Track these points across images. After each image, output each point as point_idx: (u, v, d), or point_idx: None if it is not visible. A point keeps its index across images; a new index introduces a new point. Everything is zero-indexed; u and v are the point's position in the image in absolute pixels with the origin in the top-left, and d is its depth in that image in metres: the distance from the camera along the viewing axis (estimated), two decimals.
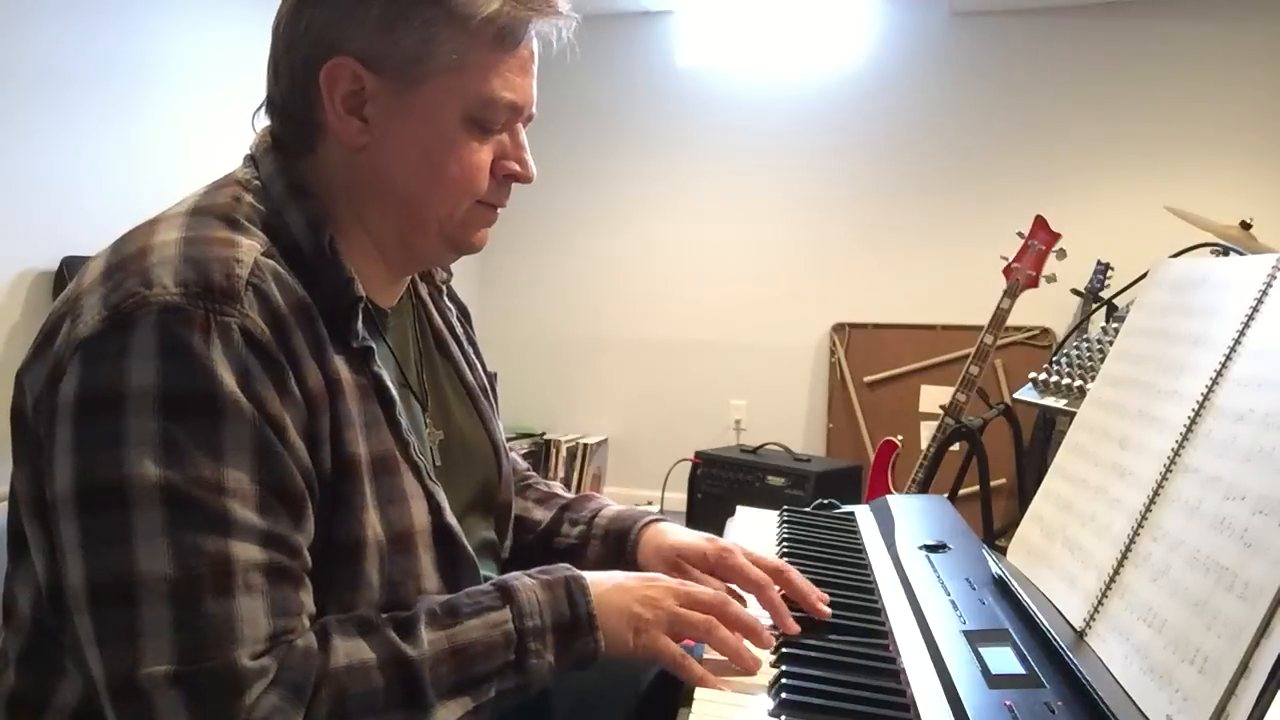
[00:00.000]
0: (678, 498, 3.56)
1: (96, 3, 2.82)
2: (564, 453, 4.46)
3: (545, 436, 4.53)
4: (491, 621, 0.81)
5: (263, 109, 0.90)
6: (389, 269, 0.93)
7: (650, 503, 4.21)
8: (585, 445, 4.48)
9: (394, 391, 0.87)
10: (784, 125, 4.26)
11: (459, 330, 1.09)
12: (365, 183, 0.87)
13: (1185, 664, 0.65)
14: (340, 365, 0.82)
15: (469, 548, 0.90)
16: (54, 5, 2.69)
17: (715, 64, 4.34)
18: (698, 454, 3.53)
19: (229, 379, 0.72)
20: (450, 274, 1.10)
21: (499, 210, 0.92)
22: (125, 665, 0.68)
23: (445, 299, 1.10)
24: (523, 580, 0.85)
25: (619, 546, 1.08)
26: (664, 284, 4.48)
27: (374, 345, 0.86)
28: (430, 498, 0.87)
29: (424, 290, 1.05)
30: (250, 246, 0.78)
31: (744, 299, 4.36)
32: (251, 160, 0.89)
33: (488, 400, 1.07)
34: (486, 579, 0.90)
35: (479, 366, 1.10)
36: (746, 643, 0.87)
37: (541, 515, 1.16)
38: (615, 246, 4.55)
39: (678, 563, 1.02)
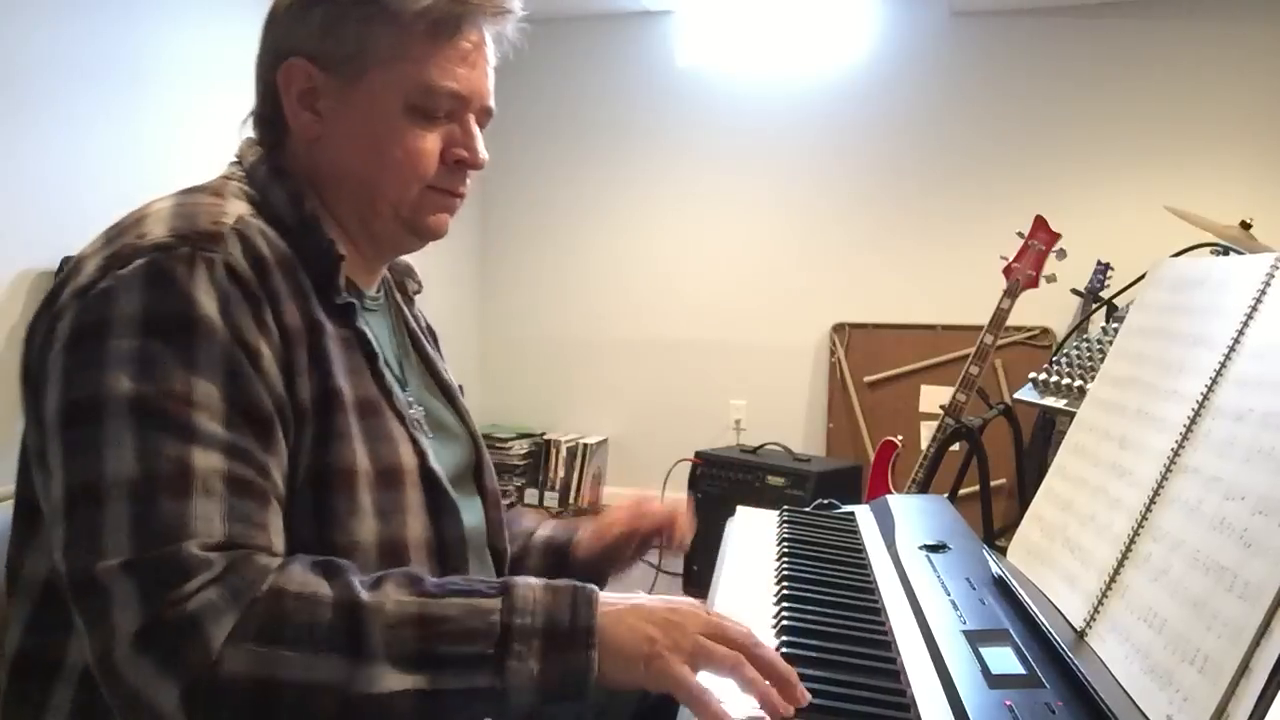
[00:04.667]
0: (678, 498, 3.56)
1: (96, 2, 2.82)
2: (564, 453, 4.45)
3: (545, 436, 4.53)
4: (478, 607, 0.74)
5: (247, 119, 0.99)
6: (360, 256, 0.99)
7: None
8: (585, 445, 4.48)
9: (376, 345, 0.93)
10: (784, 125, 4.26)
11: (429, 340, 1.15)
12: (324, 172, 0.94)
13: (1185, 664, 0.65)
14: (323, 316, 0.87)
15: (451, 492, 0.93)
16: (54, 5, 2.69)
17: (715, 64, 4.34)
18: (698, 454, 3.53)
19: (208, 303, 0.78)
20: (420, 287, 1.16)
21: (458, 198, 0.97)
22: (86, 563, 0.71)
23: (417, 309, 1.16)
24: (526, 579, 0.79)
25: (560, 552, 1.15)
26: (664, 284, 4.48)
27: (354, 303, 0.92)
28: (415, 442, 0.92)
29: (398, 298, 1.11)
30: (236, 208, 0.86)
31: (744, 299, 4.36)
32: (236, 161, 0.97)
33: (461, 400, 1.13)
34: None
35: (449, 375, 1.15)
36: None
37: None
38: (615, 246, 4.55)
39: (603, 527, 1.15)
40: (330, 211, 0.95)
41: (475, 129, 0.95)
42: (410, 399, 1.00)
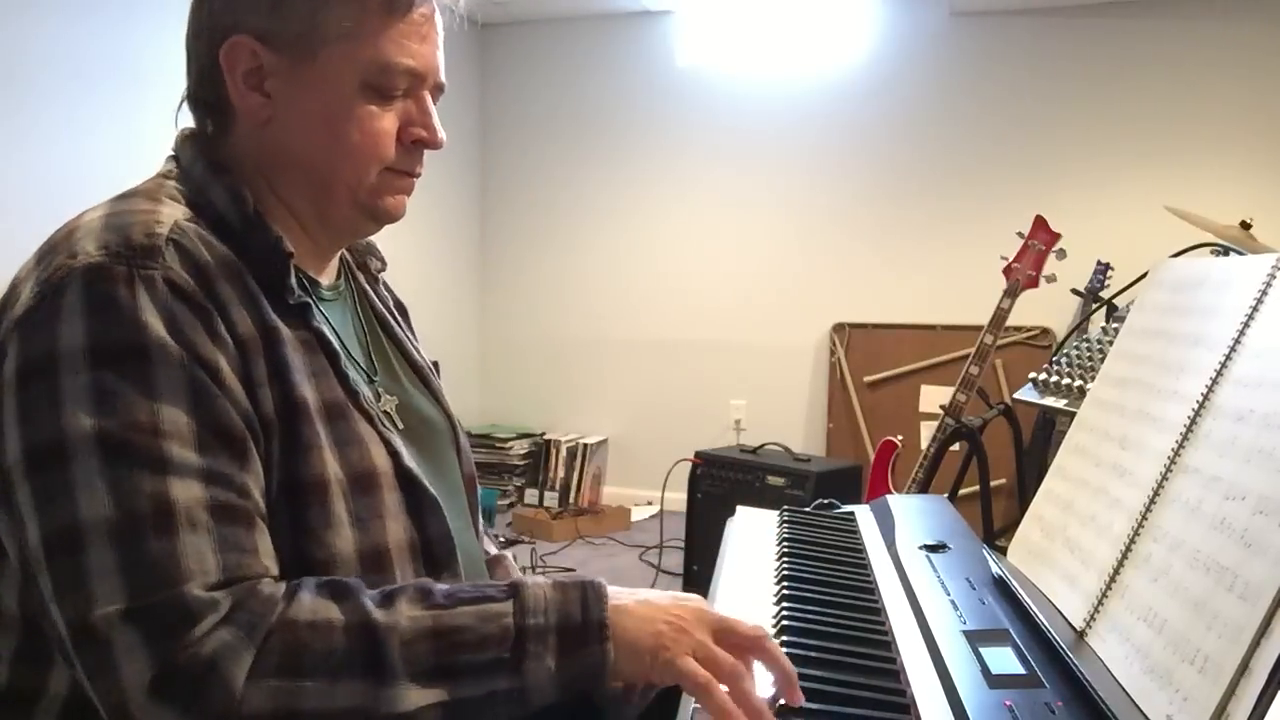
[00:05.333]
0: (678, 498, 3.55)
1: (97, 2, 2.82)
2: (564, 453, 4.46)
3: (545, 436, 4.53)
4: (490, 613, 0.76)
5: (181, 107, 0.93)
6: (315, 246, 0.95)
7: (650, 503, 4.21)
8: (585, 445, 4.48)
9: (336, 345, 0.89)
10: (784, 125, 4.26)
11: (398, 317, 1.10)
12: (275, 157, 0.89)
13: (1185, 664, 0.65)
14: (277, 320, 0.83)
15: (431, 490, 0.90)
16: (54, 5, 2.69)
17: (715, 64, 4.34)
18: (698, 454, 3.53)
19: (156, 325, 0.73)
20: (384, 265, 1.11)
21: (414, 179, 0.93)
22: (80, 611, 0.68)
23: (382, 289, 1.11)
24: (535, 578, 0.80)
25: None
26: (664, 284, 4.48)
27: (310, 302, 0.88)
28: (387, 443, 0.88)
29: (361, 279, 1.07)
30: (171, 213, 0.81)
31: (744, 299, 4.36)
32: (173, 157, 0.92)
33: (435, 379, 1.08)
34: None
35: (422, 353, 1.10)
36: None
37: None
38: (615, 246, 4.55)
39: None
40: (281, 199, 0.90)
41: (431, 107, 0.91)
42: (380, 389, 0.97)
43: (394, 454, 0.89)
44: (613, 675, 0.77)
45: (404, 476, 0.89)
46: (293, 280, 0.86)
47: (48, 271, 0.76)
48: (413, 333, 1.12)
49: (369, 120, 0.87)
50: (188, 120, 0.94)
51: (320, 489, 0.81)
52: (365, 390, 0.90)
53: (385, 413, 0.95)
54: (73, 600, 0.69)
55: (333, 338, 0.89)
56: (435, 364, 1.14)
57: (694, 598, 0.83)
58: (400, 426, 0.95)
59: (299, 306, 0.87)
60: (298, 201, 0.91)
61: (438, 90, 0.92)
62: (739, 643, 0.78)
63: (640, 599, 0.80)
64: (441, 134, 0.92)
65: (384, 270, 1.11)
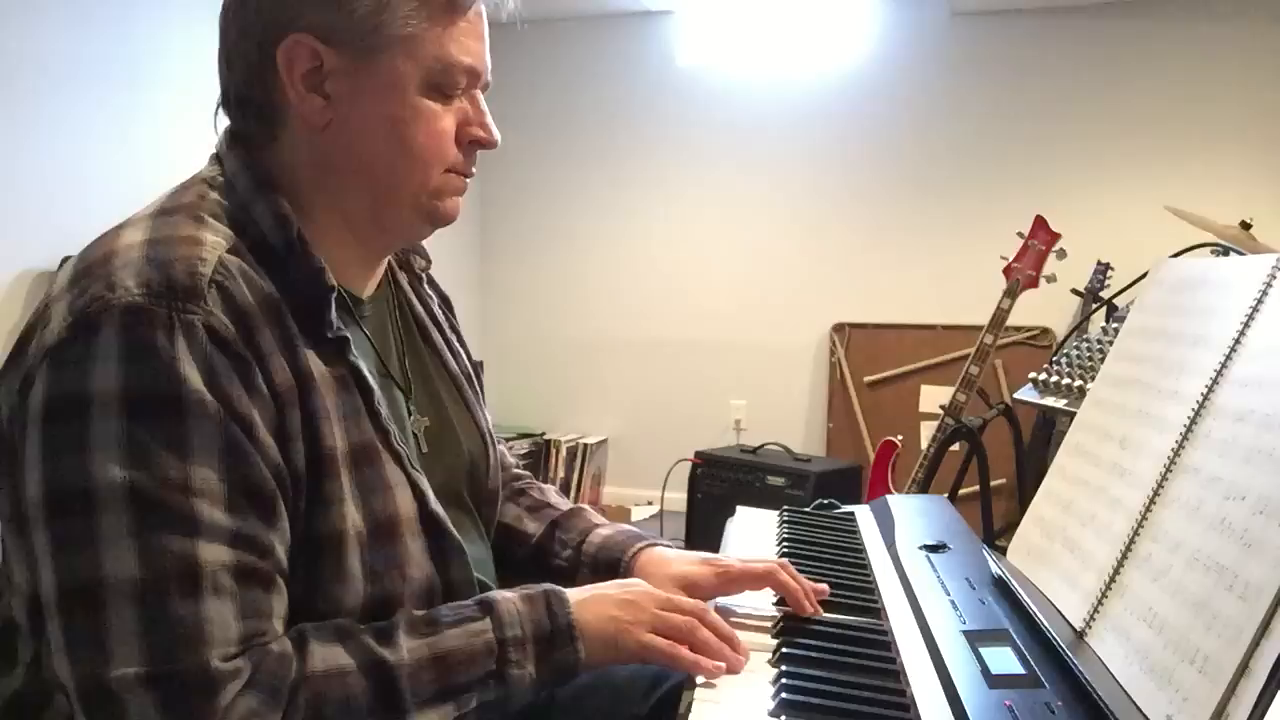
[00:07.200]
0: (678, 498, 3.55)
1: (96, 3, 2.82)
2: (564, 453, 4.46)
3: (545, 436, 4.53)
4: (472, 631, 0.81)
5: (220, 109, 0.89)
6: (365, 252, 0.93)
7: (650, 503, 4.20)
8: (585, 445, 4.48)
9: (372, 380, 0.87)
10: (784, 125, 4.26)
11: (440, 318, 1.09)
12: (334, 161, 0.86)
13: (1185, 664, 0.65)
14: (312, 359, 0.81)
15: (455, 534, 0.90)
16: (54, 5, 2.69)
17: (715, 64, 4.34)
18: (698, 454, 3.53)
19: (194, 377, 0.72)
20: (429, 262, 1.09)
21: (468, 179, 0.92)
22: (94, 668, 0.68)
23: (426, 287, 1.09)
24: (503, 594, 0.85)
25: (609, 576, 1.04)
26: (664, 284, 4.48)
27: (349, 335, 0.86)
28: (414, 486, 0.87)
29: (403, 279, 1.05)
30: (215, 243, 0.78)
31: (744, 299, 4.36)
32: (216, 159, 0.89)
33: (473, 388, 1.07)
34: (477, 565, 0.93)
35: (463, 354, 1.09)
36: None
37: (534, 528, 1.15)
38: (615, 246, 4.55)
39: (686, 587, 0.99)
40: (335, 205, 0.87)
41: (485, 105, 0.90)
42: (412, 406, 0.96)
43: (420, 498, 0.88)
44: (585, 667, 0.84)
45: (428, 521, 0.88)
46: (333, 314, 0.84)
47: (83, 300, 0.73)
48: (456, 331, 1.11)
49: (433, 121, 0.85)
50: (225, 124, 0.90)
51: (335, 543, 0.80)
52: (395, 428, 0.88)
53: (414, 434, 0.94)
54: (87, 656, 0.69)
55: (368, 370, 0.87)
56: (479, 364, 1.12)
57: (638, 582, 0.92)
58: (425, 450, 0.95)
59: (337, 340, 0.84)
60: (354, 207, 0.88)
61: (486, 90, 0.91)
62: (684, 613, 0.87)
63: (593, 594, 0.88)
64: (497, 133, 0.90)
65: (429, 268, 1.09)
